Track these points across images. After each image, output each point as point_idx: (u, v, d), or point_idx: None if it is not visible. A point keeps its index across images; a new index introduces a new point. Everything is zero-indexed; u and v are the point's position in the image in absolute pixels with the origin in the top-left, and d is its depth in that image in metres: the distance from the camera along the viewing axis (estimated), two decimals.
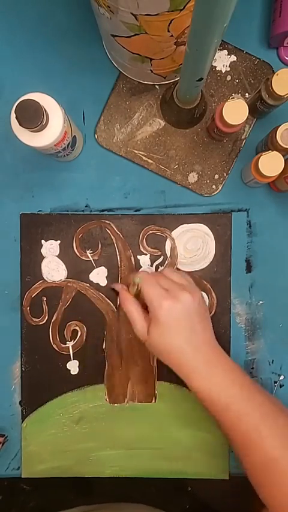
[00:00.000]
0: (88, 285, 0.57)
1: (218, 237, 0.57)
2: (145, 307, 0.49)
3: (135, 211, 0.58)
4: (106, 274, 0.57)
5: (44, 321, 0.57)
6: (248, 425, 0.44)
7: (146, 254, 0.57)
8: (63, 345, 0.57)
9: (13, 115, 0.44)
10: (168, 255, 0.57)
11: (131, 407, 0.57)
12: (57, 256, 0.57)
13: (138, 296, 0.50)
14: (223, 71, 0.57)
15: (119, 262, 0.57)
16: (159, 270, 0.57)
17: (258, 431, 0.44)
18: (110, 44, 0.51)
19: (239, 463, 0.46)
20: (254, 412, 0.45)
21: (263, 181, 0.52)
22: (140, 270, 0.56)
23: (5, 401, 0.58)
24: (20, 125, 0.43)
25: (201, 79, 0.42)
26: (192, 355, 0.46)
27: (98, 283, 0.57)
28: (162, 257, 0.57)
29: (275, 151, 0.50)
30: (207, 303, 0.57)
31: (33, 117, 0.43)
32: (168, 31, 0.41)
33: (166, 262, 0.57)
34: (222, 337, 0.57)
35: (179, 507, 0.99)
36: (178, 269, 0.57)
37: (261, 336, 0.58)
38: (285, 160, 0.50)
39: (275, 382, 0.58)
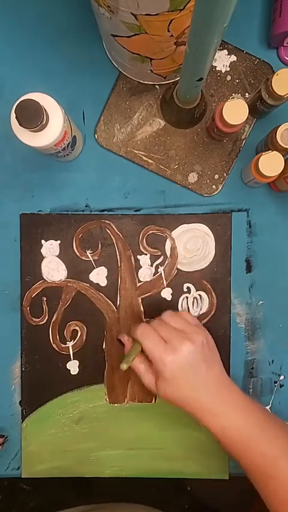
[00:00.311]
0: (88, 285, 0.57)
1: (218, 237, 0.57)
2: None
3: (135, 211, 0.58)
4: (106, 274, 0.57)
5: (44, 321, 0.57)
6: (265, 459, 0.44)
7: (146, 254, 0.57)
8: (63, 345, 0.57)
9: (13, 115, 0.44)
10: (168, 255, 0.57)
11: (131, 407, 0.57)
12: (57, 256, 0.57)
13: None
14: (223, 71, 0.57)
15: (119, 262, 0.57)
16: (157, 318, 0.52)
17: (276, 464, 0.44)
18: (110, 44, 0.51)
19: (260, 494, 0.46)
20: (271, 445, 0.45)
21: (263, 181, 0.52)
22: (140, 324, 0.49)
23: (5, 401, 0.58)
24: (20, 125, 0.43)
25: (201, 79, 0.42)
26: (202, 398, 0.46)
27: (98, 283, 0.57)
28: (162, 257, 0.57)
29: (275, 151, 0.50)
30: (207, 303, 0.57)
31: (33, 117, 0.43)
32: (168, 31, 0.41)
33: (166, 262, 0.57)
34: (222, 337, 0.57)
35: (179, 507, 0.99)
36: (178, 269, 0.57)
37: (261, 336, 0.58)
38: (285, 160, 0.50)
39: (275, 382, 0.58)
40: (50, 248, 0.57)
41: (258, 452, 0.44)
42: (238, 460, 0.46)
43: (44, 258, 0.57)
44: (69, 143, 0.51)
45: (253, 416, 0.46)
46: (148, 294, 0.57)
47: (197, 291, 0.57)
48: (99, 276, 0.57)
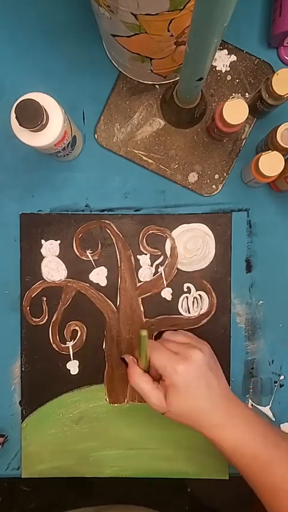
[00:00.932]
0: (88, 285, 0.57)
1: (218, 237, 0.57)
2: (155, 378, 0.49)
3: (135, 211, 0.58)
4: (106, 274, 0.57)
5: (44, 321, 0.57)
6: (275, 473, 0.44)
7: (146, 254, 0.57)
8: (63, 345, 0.57)
9: (13, 115, 0.44)
10: (168, 255, 0.57)
11: (131, 407, 0.57)
12: (57, 256, 0.57)
13: (149, 367, 0.49)
14: (223, 71, 0.57)
15: (119, 262, 0.57)
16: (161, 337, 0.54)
17: (286, 478, 0.44)
18: (110, 43, 0.51)
19: (268, 509, 0.46)
20: (280, 460, 0.45)
21: (263, 181, 0.52)
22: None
23: (5, 401, 0.58)
24: (20, 124, 0.43)
25: (201, 79, 0.42)
26: (213, 411, 0.46)
27: (98, 283, 0.57)
28: (162, 257, 0.57)
29: (275, 151, 0.50)
30: (207, 303, 0.57)
31: (33, 117, 0.43)
32: (168, 31, 0.41)
33: (166, 262, 0.57)
34: (222, 337, 0.57)
35: (179, 507, 0.99)
36: (178, 269, 0.57)
37: (261, 336, 0.58)
38: (285, 160, 0.50)
39: (275, 382, 0.58)
40: (50, 248, 0.57)
41: (267, 466, 0.44)
42: (247, 476, 0.46)
43: (44, 258, 0.57)
44: (69, 143, 0.51)
45: (261, 429, 0.46)
46: (148, 294, 0.57)
47: (197, 291, 0.57)
48: (99, 276, 0.57)
